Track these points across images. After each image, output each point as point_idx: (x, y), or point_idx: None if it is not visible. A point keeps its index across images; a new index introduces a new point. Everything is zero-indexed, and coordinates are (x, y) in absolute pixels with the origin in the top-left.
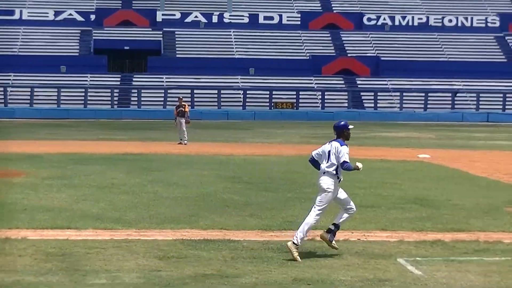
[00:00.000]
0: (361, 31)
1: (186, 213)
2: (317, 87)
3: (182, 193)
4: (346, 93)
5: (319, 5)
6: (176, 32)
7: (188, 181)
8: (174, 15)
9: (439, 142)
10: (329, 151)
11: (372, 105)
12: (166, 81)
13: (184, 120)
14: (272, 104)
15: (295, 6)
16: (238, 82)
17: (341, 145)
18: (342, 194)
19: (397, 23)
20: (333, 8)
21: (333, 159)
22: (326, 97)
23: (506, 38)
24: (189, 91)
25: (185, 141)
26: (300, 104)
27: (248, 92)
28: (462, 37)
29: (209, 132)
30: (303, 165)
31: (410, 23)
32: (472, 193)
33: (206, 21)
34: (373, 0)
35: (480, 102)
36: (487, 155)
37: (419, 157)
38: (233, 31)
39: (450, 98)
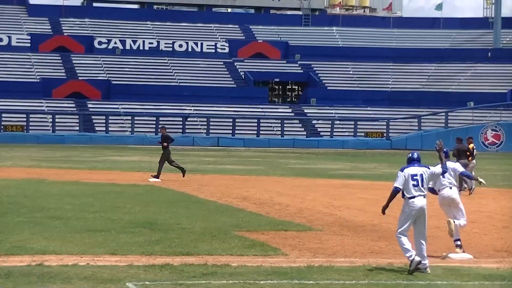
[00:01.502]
0: (92, 54)
1: None
2: (47, 110)
3: None
4: (77, 117)
5: (50, 27)
6: None
7: None
8: None
9: (170, 166)
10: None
11: (104, 128)
12: None
13: None
14: (2, 127)
15: (25, 28)
16: None
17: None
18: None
19: (128, 47)
20: (64, 31)
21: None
22: (57, 120)
23: (235, 63)
24: None
25: None
26: (30, 127)
27: None
28: (192, 62)
29: None
30: (33, 188)
31: (141, 48)
32: (201, 217)
33: None
34: (104, 24)
35: (211, 127)
36: (216, 179)
37: (149, 181)
38: None
39: (181, 122)
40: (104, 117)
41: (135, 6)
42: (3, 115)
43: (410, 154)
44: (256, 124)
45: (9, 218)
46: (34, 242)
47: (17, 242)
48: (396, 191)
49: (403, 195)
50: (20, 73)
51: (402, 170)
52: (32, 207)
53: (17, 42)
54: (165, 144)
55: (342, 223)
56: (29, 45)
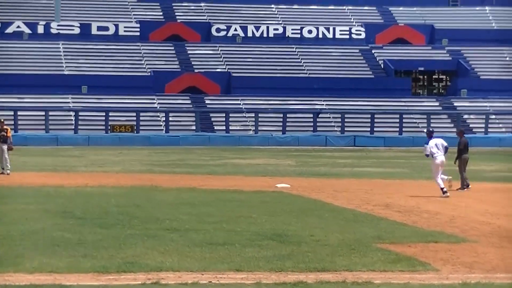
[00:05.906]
0: (209, 43)
1: (9, 254)
2: (160, 107)
3: (5, 231)
4: (193, 114)
5: (161, 14)
6: None
7: (11, 217)
8: None
9: (300, 170)
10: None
11: (223, 127)
12: None
13: (7, 147)
14: (109, 127)
15: (133, 15)
16: (69, 102)
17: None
18: None
19: (250, 34)
20: (177, 17)
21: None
22: (170, 119)
23: (373, 51)
24: (11, 112)
25: (8, 171)
26: (141, 127)
27: (80, 113)
28: (323, 50)
29: (35, 160)
30: (145, 197)
31: (265, 35)
32: (337, 227)
33: (30, 32)
34: (222, 8)
35: (346, 124)
36: (353, 183)
37: (277, 186)
38: (62, 44)
39: (311, 120)
40: (223, 115)
41: None
42: (110, 114)
43: None
44: (398, 120)
45: (120, 231)
46: (148, 257)
47: (130, 257)
48: None
49: None
50: (129, 66)
51: None
52: (145, 217)
53: (124, 31)
54: None
55: (501, 233)
56: (138, 34)
